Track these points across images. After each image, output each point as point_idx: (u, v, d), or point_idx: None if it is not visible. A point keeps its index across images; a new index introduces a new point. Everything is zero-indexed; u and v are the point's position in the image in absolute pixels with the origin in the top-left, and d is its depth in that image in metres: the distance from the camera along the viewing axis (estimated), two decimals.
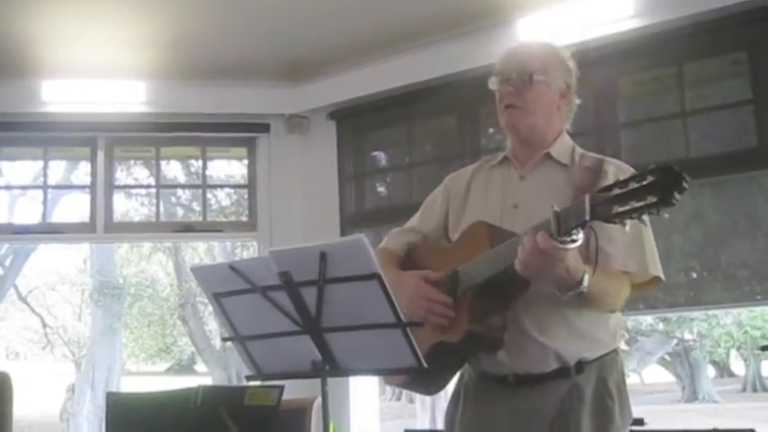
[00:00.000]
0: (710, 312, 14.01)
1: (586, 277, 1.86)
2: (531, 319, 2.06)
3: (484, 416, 2.16)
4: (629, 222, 1.65)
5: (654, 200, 1.58)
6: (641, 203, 1.60)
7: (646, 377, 21.17)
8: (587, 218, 1.70)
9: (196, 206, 10.06)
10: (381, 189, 5.36)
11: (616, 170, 2.07)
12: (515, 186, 2.22)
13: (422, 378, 2.14)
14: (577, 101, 2.25)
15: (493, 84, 2.23)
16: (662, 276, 2.10)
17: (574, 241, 1.78)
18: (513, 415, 2.10)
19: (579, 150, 2.22)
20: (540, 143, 2.21)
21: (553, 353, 2.07)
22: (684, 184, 1.56)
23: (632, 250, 2.05)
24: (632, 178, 1.63)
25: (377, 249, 2.27)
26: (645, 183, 1.60)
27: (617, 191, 1.65)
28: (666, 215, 1.61)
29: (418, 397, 11.25)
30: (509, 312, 2.04)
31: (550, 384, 2.08)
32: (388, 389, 15.43)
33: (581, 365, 2.09)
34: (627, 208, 1.62)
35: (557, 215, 1.77)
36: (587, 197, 1.70)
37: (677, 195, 1.56)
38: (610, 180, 1.98)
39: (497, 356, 2.07)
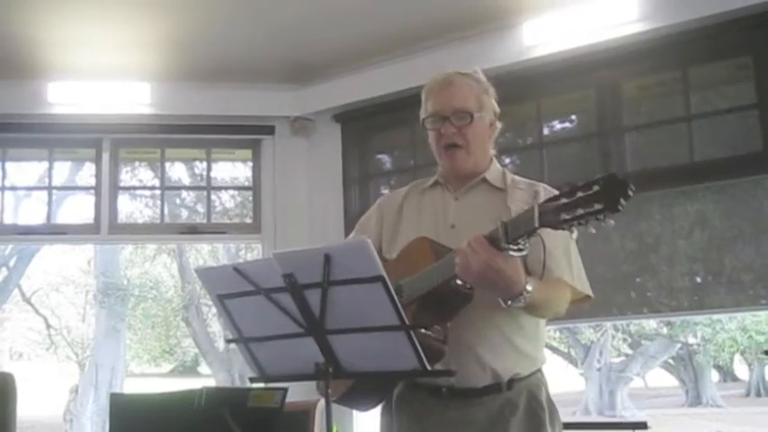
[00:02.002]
0: (714, 317, 13.98)
1: (529, 288, 1.91)
2: (471, 333, 2.10)
3: (417, 429, 2.19)
4: (575, 230, 1.70)
5: (600, 207, 1.63)
6: (588, 210, 1.64)
7: (649, 381, 21.13)
8: (536, 225, 1.74)
9: (200, 208, 10.05)
10: (386, 191, 5.35)
11: (545, 192, 2.16)
12: (450, 207, 2.29)
13: (358, 393, 2.18)
14: (499, 124, 2.32)
15: (428, 123, 2.28)
16: (591, 294, 2.19)
17: (520, 250, 1.83)
18: (445, 426, 2.14)
19: (509, 174, 2.31)
20: (475, 172, 2.29)
21: (490, 367, 2.13)
22: (629, 192, 1.61)
23: (567, 266, 2.13)
24: (579, 188, 1.67)
25: None
26: (591, 192, 1.64)
27: (564, 200, 1.69)
28: (612, 222, 1.64)
29: None
30: (451, 326, 2.06)
31: (483, 399, 2.13)
32: None
33: (512, 383, 2.15)
34: (574, 215, 1.66)
35: (504, 224, 1.83)
36: (536, 205, 1.75)
37: (623, 202, 1.60)
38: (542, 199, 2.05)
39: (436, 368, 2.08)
